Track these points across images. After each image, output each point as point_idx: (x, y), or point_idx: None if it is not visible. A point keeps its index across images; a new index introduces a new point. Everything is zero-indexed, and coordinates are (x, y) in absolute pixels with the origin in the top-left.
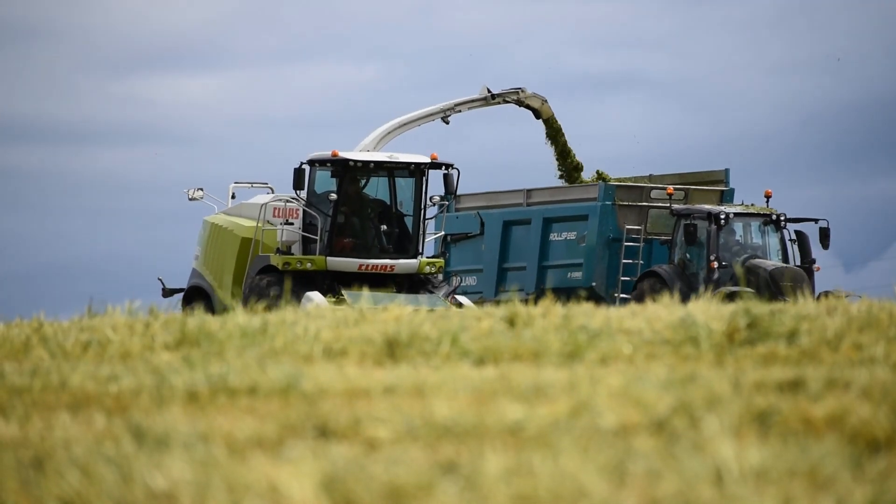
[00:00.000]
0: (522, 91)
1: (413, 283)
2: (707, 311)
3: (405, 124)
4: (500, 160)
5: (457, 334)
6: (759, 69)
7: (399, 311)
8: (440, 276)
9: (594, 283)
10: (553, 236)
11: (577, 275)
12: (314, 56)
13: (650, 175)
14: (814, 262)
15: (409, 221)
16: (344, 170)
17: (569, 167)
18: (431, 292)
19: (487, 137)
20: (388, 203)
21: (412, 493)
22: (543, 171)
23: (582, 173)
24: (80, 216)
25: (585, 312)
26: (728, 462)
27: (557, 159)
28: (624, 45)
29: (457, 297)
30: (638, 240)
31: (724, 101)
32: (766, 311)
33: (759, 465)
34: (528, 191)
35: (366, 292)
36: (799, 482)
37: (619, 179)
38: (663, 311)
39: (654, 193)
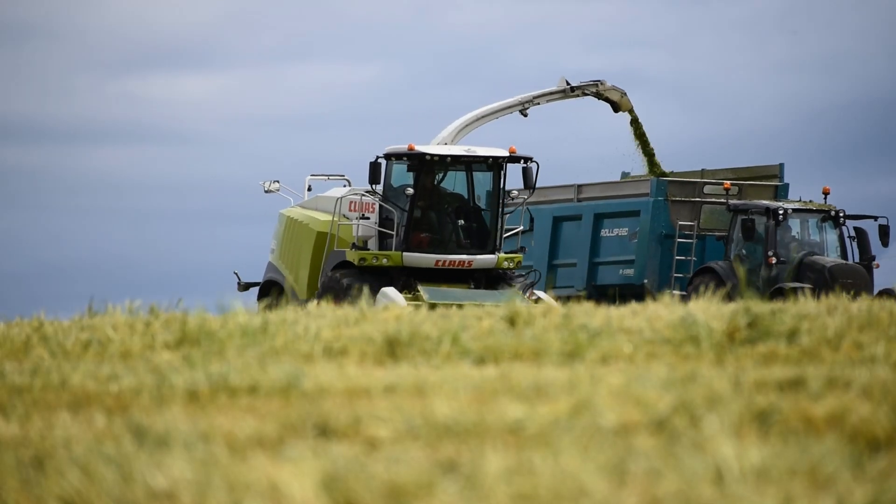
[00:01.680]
0: (602, 83)
1: (491, 279)
2: (707, 310)
3: (483, 117)
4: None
5: (457, 333)
6: (759, 68)
7: (399, 310)
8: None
9: (646, 280)
10: (604, 232)
11: (629, 272)
12: (313, 56)
13: (702, 170)
14: (873, 258)
15: (486, 216)
16: (421, 164)
17: (650, 161)
18: (509, 287)
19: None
20: (466, 197)
21: (413, 493)
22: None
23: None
24: (78, 215)
25: (586, 312)
26: (728, 461)
27: (642, 154)
28: (623, 44)
29: (535, 292)
30: (691, 236)
31: (724, 100)
32: (767, 310)
33: (759, 465)
34: (579, 186)
35: (443, 288)
36: (799, 481)
37: (672, 174)
38: (664, 310)
39: (707, 189)
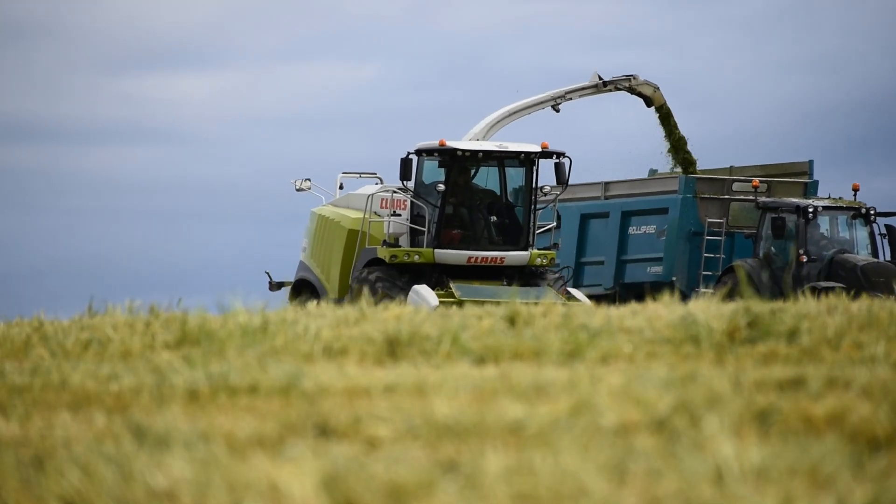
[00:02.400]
0: (634, 78)
1: (524, 276)
2: (707, 309)
3: (515, 112)
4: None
5: (457, 333)
6: (759, 67)
7: (400, 310)
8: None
9: (674, 278)
10: (632, 230)
11: (657, 269)
12: (312, 56)
13: (731, 167)
14: None
15: (519, 212)
16: (452, 159)
17: (681, 159)
18: (543, 285)
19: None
20: (498, 193)
21: (413, 492)
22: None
23: (694, 166)
24: (76, 215)
25: (586, 311)
26: (728, 461)
27: (670, 150)
28: (622, 44)
29: (569, 289)
30: (720, 233)
31: (722, 99)
32: (767, 309)
33: (759, 464)
34: (606, 183)
35: (475, 286)
36: (799, 481)
37: (701, 172)
38: (664, 309)
39: (736, 186)
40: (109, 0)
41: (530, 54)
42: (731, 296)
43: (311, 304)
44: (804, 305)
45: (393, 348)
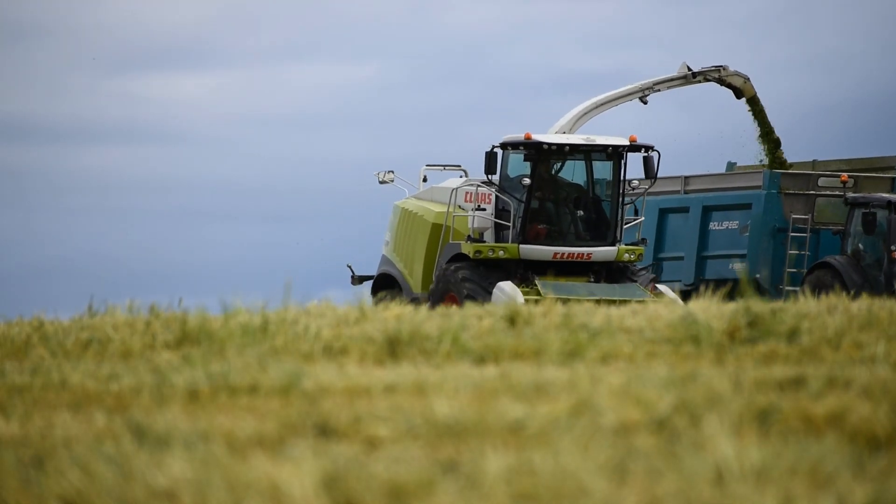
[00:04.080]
0: (724, 69)
1: (611, 272)
2: (708, 309)
3: (602, 104)
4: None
5: (457, 333)
6: (758, 66)
7: (400, 309)
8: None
9: (758, 275)
10: (713, 225)
11: (740, 266)
12: (312, 55)
13: (814, 161)
14: None
15: (606, 207)
16: (538, 153)
17: (772, 151)
18: (632, 282)
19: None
20: (585, 187)
21: (413, 492)
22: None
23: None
24: (76, 215)
25: (586, 311)
26: (728, 460)
27: (763, 142)
28: (622, 43)
29: (658, 286)
30: (805, 229)
31: (721, 99)
32: (767, 309)
33: (759, 464)
34: (686, 178)
35: (562, 282)
36: (799, 480)
37: (785, 166)
38: (664, 309)
39: (821, 181)
40: (109, 0)
41: (529, 54)
42: (818, 293)
43: (312, 304)
44: (804, 305)
45: (393, 348)
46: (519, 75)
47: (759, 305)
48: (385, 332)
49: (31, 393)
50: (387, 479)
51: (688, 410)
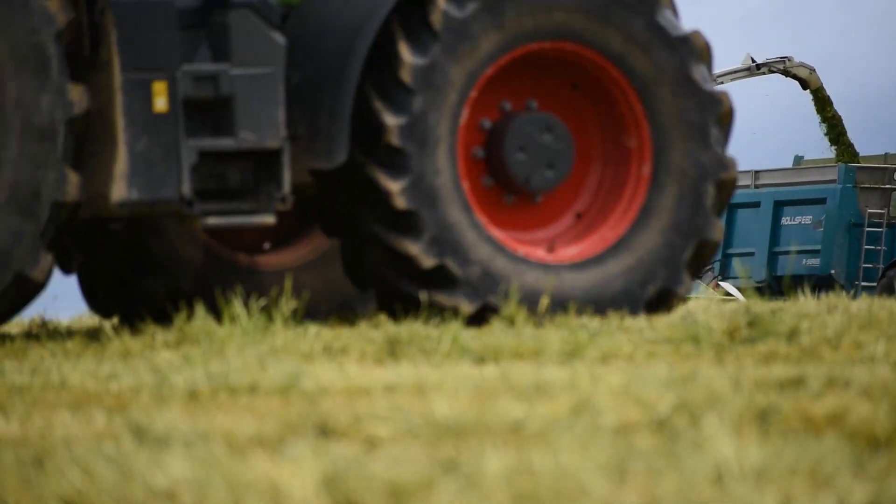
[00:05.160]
0: (789, 60)
1: None
2: (708, 309)
3: None
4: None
5: (457, 332)
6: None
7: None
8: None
9: (833, 271)
10: (785, 220)
11: (814, 262)
12: None
13: (885, 154)
14: None
15: None
16: None
17: (839, 143)
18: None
19: None
20: None
21: (413, 492)
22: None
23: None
24: None
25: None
26: (728, 460)
27: (828, 134)
28: None
29: (721, 283)
30: (881, 224)
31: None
32: (767, 309)
33: (759, 464)
34: (756, 172)
35: None
36: (799, 480)
37: (861, 159)
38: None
39: None
40: None
41: None
42: (889, 290)
43: None
44: (804, 305)
45: (393, 348)
46: None
47: (759, 305)
48: (385, 331)
49: (31, 393)
50: (387, 478)
51: (688, 410)
